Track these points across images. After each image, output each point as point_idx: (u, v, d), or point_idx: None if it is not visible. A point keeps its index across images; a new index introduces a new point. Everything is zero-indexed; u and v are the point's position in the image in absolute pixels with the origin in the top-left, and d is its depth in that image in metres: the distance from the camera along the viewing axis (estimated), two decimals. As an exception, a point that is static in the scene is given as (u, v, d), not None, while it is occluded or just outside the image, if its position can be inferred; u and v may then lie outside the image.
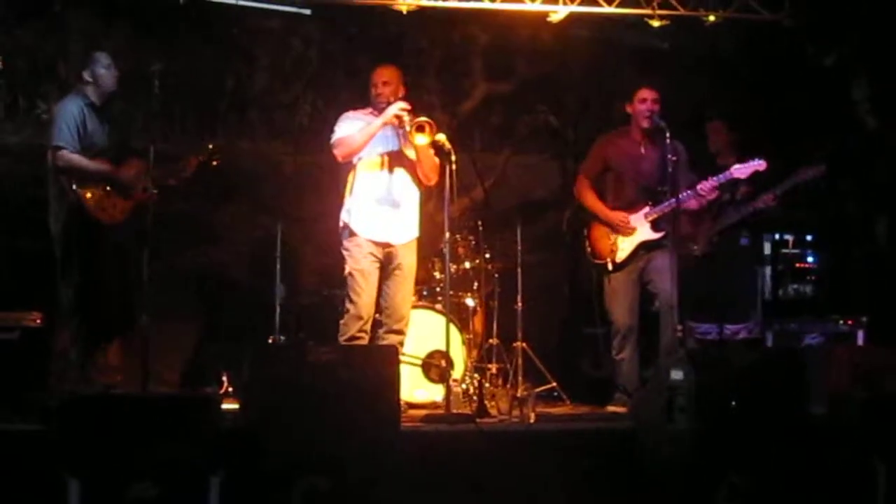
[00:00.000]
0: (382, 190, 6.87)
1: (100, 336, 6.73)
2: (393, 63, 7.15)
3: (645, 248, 7.22)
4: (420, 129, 6.59)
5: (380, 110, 6.84)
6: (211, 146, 7.11)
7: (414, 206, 6.99)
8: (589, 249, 7.41)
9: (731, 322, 7.66)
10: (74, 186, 6.48)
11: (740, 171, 7.10)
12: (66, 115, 6.60)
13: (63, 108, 6.67)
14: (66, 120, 6.56)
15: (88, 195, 6.51)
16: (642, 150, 7.29)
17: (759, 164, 7.10)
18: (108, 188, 6.61)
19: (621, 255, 7.24)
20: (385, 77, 6.94)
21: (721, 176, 7.13)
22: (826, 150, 8.26)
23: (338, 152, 6.86)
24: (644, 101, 7.20)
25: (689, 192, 7.08)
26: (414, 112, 6.69)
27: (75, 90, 6.79)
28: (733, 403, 5.42)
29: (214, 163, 7.04)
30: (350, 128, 6.87)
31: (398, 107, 6.70)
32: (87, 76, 6.74)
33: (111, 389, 6.61)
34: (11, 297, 6.81)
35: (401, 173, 6.92)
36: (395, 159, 6.92)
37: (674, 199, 6.94)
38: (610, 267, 7.28)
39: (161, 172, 6.62)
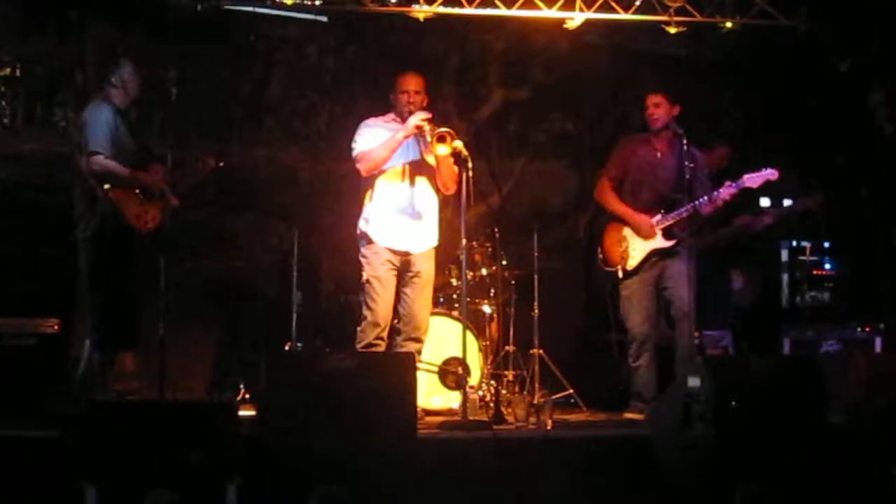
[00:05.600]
0: (404, 200, 6.85)
1: (123, 343, 6.73)
2: (417, 71, 7.07)
3: (657, 255, 7.17)
4: (441, 139, 6.54)
5: (403, 117, 6.79)
6: (221, 164, 7.06)
7: (434, 216, 6.96)
8: (601, 256, 7.39)
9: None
10: (109, 194, 6.41)
11: (752, 179, 7.04)
12: (99, 120, 6.52)
13: (95, 113, 6.58)
14: (100, 125, 6.49)
15: (123, 203, 6.44)
16: (659, 157, 7.26)
17: (770, 174, 7.03)
18: (139, 195, 6.55)
19: (632, 262, 7.20)
20: (416, 86, 6.87)
21: (735, 184, 7.07)
22: (842, 159, 8.24)
23: (362, 167, 6.81)
24: (646, 108, 7.23)
25: (704, 199, 7.05)
26: (432, 120, 6.65)
27: (102, 96, 6.73)
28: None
29: (221, 164, 7.01)
30: (372, 139, 6.82)
31: (419, 117, 6.65)
32: (115, 80, 6.69)
33: (128, 396, 6.62)
34: (28, 304, 6.83)
35: (421, 182, 6.90)
36: (416, 169, 6.89)
37: (687, 207, 6.94)
38: (620, 274, 7.24)
39: (176, 176, 6.61)
